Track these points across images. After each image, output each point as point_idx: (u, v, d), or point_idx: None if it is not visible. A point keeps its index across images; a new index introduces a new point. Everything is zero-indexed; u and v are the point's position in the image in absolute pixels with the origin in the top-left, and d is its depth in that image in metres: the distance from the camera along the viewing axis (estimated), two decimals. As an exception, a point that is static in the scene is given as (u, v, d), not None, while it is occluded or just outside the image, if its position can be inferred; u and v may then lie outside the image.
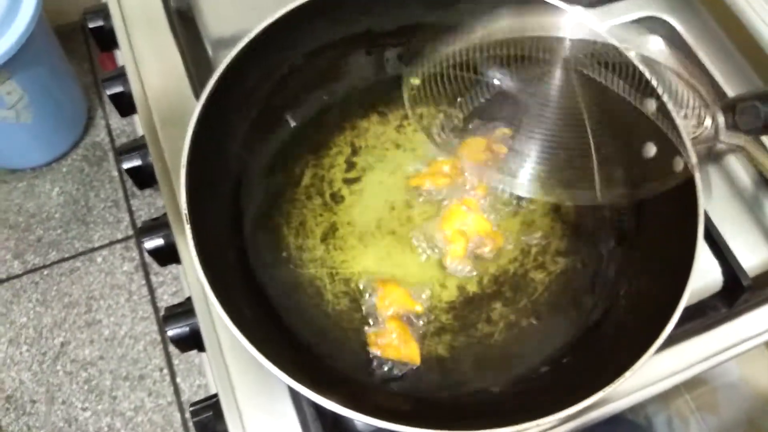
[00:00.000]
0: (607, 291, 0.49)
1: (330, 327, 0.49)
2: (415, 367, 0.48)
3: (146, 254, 1.39)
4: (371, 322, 0.49)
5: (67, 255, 1.40)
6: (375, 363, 0.48)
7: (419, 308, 0.49)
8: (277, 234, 0.52)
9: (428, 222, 0.52)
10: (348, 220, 0.52)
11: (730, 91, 0.61)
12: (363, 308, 0.49)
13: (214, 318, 0.51)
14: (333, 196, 0.53)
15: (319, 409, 0.47)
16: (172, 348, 1.31)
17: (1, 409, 1.25)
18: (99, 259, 1.39)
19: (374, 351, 0.48)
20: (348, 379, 0.46)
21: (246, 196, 0.52)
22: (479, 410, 0.46)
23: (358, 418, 0.37)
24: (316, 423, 0.47)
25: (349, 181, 0.54)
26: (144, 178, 0.60)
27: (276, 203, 0.53)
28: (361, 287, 0.50)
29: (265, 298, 0.48)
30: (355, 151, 0.55)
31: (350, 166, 0.55)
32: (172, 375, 1.29)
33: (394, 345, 0.47)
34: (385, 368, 0.48)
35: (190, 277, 0.52)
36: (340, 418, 0.48)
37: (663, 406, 0.68)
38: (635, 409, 0.66)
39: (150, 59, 0.62)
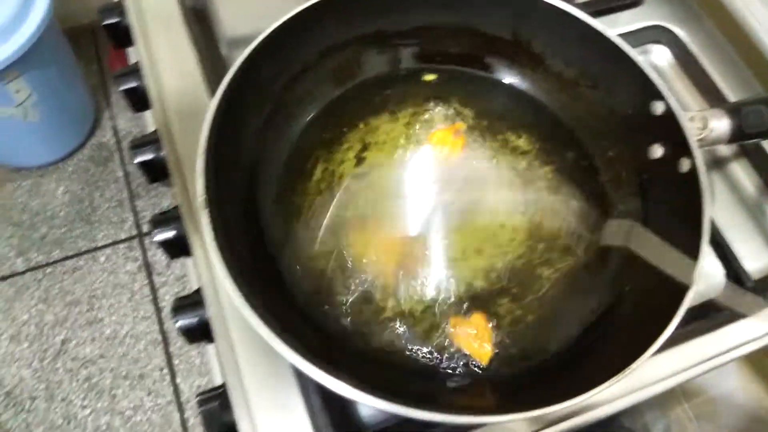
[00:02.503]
0: (613, 287, 0.50)
1: (340, 317, 0.49)
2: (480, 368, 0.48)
3: (149, 255, 1.40)
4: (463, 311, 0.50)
5: (70, 253, 1.41)
6: (444, 352, 0.48)
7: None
8: (288, 226, 0.52)
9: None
10: (357, 215, 0.53)
11: (733, 98, 0.62)
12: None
13: (225, 308, 0.51)
14: (343, 190, 0.54)
15: (326, 399, 0.48)
16: (172, 348, 1.31)
17: (0, 404, 1.25)
18: (102, 258, 1.40)
19: (451, 336, 0.49)
20: (362, 365, 0.47)
21: (260, 188, 0.52)
22: (475, 400, 0.47)
23: (365, 400, 0.37)
24: (323, 413, 0.47)
25: (358, 177, 0.55)
26: (155, 172, 0.61)
27: (287, 196, 0.54)
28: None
29: (278, 288, 0.49)
30: (365, 148, 0.56)
31: (360, 161, 0.55)
32: (172, 375, 1.29)
33: (469, 337, 0.48)
34: (451, 360, 0.48)
35: (201, 267, 0.53)
36: (346, 407, 0.49)
37: (661, 414, 0.68)
38: (633, 417, 0.66)
39: (165, 56, 0.63)
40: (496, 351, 0.48)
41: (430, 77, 0.58)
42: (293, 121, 0.56)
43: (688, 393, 0.68)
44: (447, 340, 0.49)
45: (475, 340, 0.48)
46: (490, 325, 0.49)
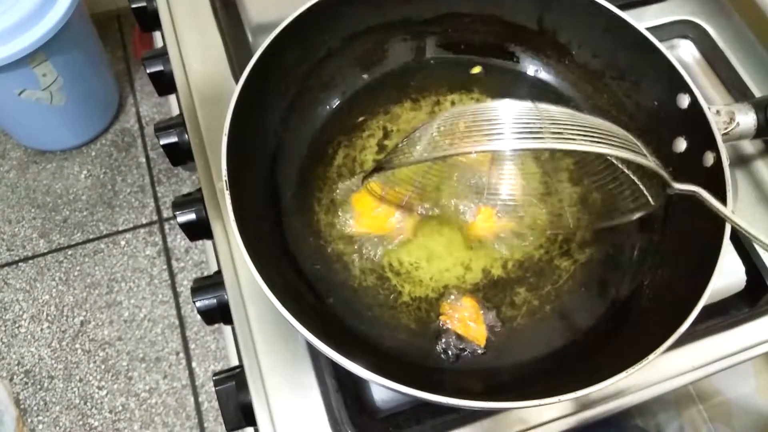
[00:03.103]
0: (631, 281, 0.50)
1: (357, 301, 0.50)
2: (479, 350, 0.48)
3: (169, 240, 1.42)
4: (452, 297, 0.50)
5: (91, 236, 1.43)
6: (442, 337, 0.49)
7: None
8: (308, 209, 0.53)
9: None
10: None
11: (759, 94, 0.61)
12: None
13: (243, 290, 0.52)
14: (363, 178, 0.54)
15: (340, 382, 0.48)
16: (189, 332, 1.33)
17: (19, 383, 1.28)
18: (122, 242, 1.42)
19: (444, 321, 0.49)
20: (374, 348, 0.47)
21: (281, 172, 0.53)
22: (492, 386, 0.47)
23: (380, 382, 0.38)
24: (338, 395, 0.48)
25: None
26: (179, 154, 0.62)
27: (308, 180, 0.54)
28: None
29: (297, 269, 0.49)
30: (386, 135, 0.56)
31: (381, 149, 0.56)
32: (188, 359, 1.30)
33: (464, 321, 0.48)
34: (451, 344, 0.48)
35: (221, 249, 0.54)
36: (360, 390, 0.49)
37: (675, 415, 0.67)
38: (646, 417, 0.65)
39: (191, 41, 0.64)
40: (510, 339, 0.48)
41: (476, 70, 0.58)
42: (317, 106, 0.57)
43: (703, 394, 0.67)
44: (456, 325, 0.49)
45: (469, 323, 0.48)
46: (482, 311, 0.49)
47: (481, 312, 0.49)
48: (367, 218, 0.52)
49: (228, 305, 0.53)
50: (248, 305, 0.52)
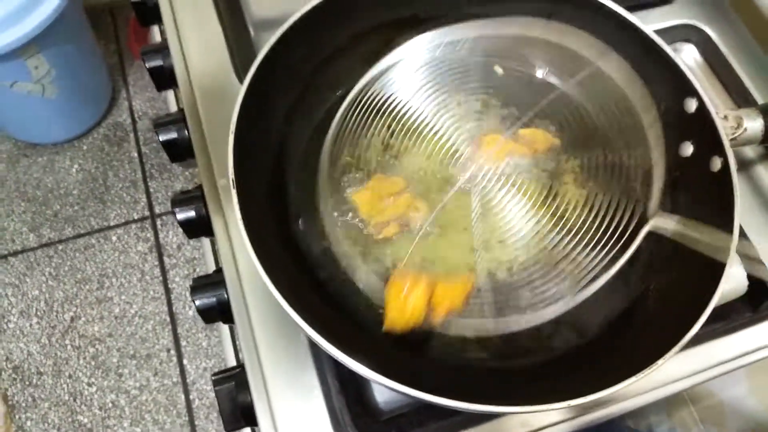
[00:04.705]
0: (637, 285, 0.50)
1: (361, 302, 0.49)
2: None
3: (161, 236, 1.41)
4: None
5: (82, 231, 1.41)
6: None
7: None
8: (313, 209, 0.52)
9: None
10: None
11: (761, 100, 0.62)
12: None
13: (245, 289, 0.52)
14: (369, 176, 0.54)
15: (343, 383, 0.48)
16: (180, 329, 1.32)
17: (8, 379, 1.26)
18: (114, 238, 1.41)
19: None
20: (381, 347, 0.47)
21: (285, 171, 0.52)
22: (498, 389, 0.46)
23: (385, 383, 0.37)
24: (340, 396, 0.48)
25: (385, 162, 0.55)
26: (178, 151, 0.61)
27: (313, 180, 0.53)
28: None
29: (303, 270, 0.49)
30: (392, 134, 0.56)
31: (386, 147, 0.55)
32: (179, 356, 1.29)
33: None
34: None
35: (223, 247, 0.53)
36: (363, 391, 0.49)
37: (666, 416, 0.67)
38: (637, 418, 0.66)
39: (193, 36, 0.63)
40: (515, 342, 0.48)
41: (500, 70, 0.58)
42: (321, 104, 0.56)
43: (695, 396, 0.67)
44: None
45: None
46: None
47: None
48: (372, 217, 0.51)
49: (228, 304, 0.52)
50: (250, 304, 0.51)
